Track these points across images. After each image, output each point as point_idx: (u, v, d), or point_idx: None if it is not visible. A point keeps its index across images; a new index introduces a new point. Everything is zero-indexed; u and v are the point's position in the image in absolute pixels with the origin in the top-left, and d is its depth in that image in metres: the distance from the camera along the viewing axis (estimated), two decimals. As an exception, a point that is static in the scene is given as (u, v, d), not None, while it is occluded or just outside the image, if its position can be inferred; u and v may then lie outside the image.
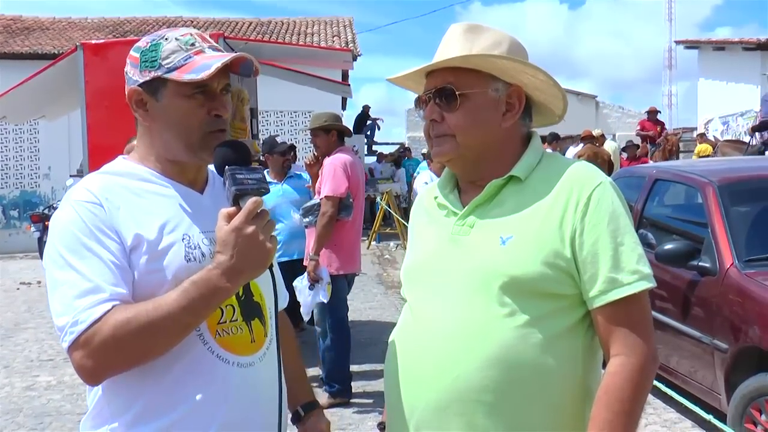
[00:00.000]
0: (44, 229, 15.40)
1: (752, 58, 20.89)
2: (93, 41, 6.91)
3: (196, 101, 1.85)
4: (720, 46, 22.68)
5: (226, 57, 1.83)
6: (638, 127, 19.13)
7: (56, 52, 17.76)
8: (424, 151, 21.51)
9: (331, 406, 6.11)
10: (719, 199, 5.45)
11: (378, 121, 25.93)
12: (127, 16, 24.20)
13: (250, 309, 1.94)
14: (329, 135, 6.47)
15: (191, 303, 1.72)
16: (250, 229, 1.71)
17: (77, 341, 1.70)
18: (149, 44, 1.88)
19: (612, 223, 1.82)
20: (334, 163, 6.20)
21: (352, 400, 6.32)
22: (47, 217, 15.61)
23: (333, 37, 22.07)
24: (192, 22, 23.18)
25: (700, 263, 5.26)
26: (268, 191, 1.79)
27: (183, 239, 1.84)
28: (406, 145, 24.53)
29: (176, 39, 1.87)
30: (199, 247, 1.85)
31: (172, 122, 1.87)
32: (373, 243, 17.38)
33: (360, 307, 10.36)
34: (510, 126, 1.95)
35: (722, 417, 4.78)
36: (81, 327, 1.69)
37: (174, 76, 1.83)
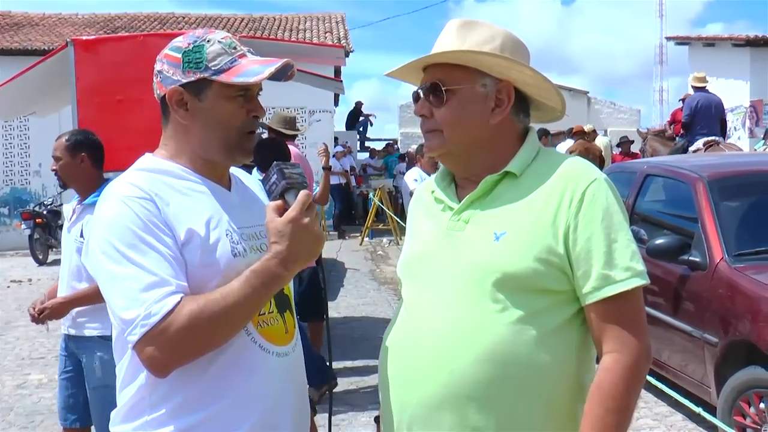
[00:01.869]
0: (35, 227, 15.35)
1: (742, 54, 20.94)
2: (84, 37, 6.89)
3: (237, 103, 1.93)
4: (710, 43, 22.73)
5: (276, 62, 1.90)
6: (669, 119, 16.59)
7: (46, 48, 17.68)
8: (413, 147, 21.53)
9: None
10: (709, 194, 5.48)
11: (371, 117, 25.95)
12: (118, 12, 24.08)
13: (283, 301, 2.03)
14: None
15: (255, 291, 1.80)
16: (306, 219, 1.82)
17: (150, 333, 1.73)
18: (192, 46, 1.93)
19: (606, 219, 1.83)
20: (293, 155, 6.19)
21: (345, 396, 6.33)
22: (38, 215, 15.56)
23: (325, 33, 22.04)
24: (184, 18, 23.12)
25: (690, 258, 5.30)
26: (307, 185, 1.90)
27: (227, 235, 1.91)
28: (399, 141, 24.51)
29: (219, 42, 1.93)
30: (240, 243, 1.93)
31: (214, 122, 1.93)
32: (366, 239, 17.38)
33: (353, 302, 10.39)
34: (500, 122, 1.95)
35: (712, 410, 4.81)
36: (155, 319, 1.72)
37: (222, 78, 1.89)
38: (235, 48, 1.94)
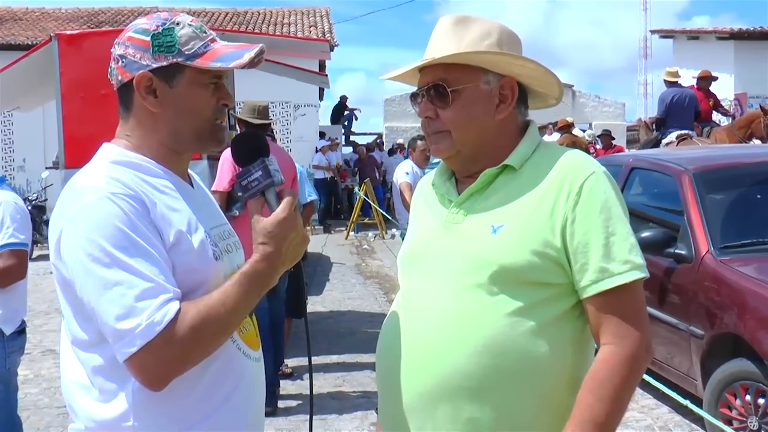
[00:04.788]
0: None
1: (726, 48, 21.10)
2: (68, 32, 6.85)
3: (209, 91, 1.82)
4: (694, 36, 22.87)
5: (253, 47, 1.80)
6: None
7: (30, 42, 17.58)
8: (400, 140, 21.54)
9: None
10: (695, 187, 5.50)
11: (355, 112, 25.88)
12: (102, 6, 24.01)
13: None
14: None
15: (248, 296, 1.72)
16: (296, 220, 1.76)
17: (152, 343, 1.60)
18: (161, 28, 1.79)
19: (604, 212, 1.82)
20: (224, 155, 5.74)
21: (333, 390, 6.34)
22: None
23: (310, 27, 22.00)
24: (168, 12, 23.01)
25: (676, 251, 5.31)
26: (284, 182, 1.83)
27: (206, 237, 1.81)
28: (384, 135, 24.48)
29: (189, 25, 1.81)
30: (217, 245, 1.84)
31: (185, 110, 1.80)
32: (352, 233, 17.38)
33: (339, 297, 10.39)
34: (505, 117, 1.95)
35: (698, 402, 4.84)
36: (158, 328, 1.60)
37: (197, 63, 1.77)
38: (205, 32, 1.82)
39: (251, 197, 1.80)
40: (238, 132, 6.36)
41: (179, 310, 1.63)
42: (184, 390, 1.72)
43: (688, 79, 13.94)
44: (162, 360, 1.62)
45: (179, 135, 1.83)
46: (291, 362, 6.85)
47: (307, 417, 2.41)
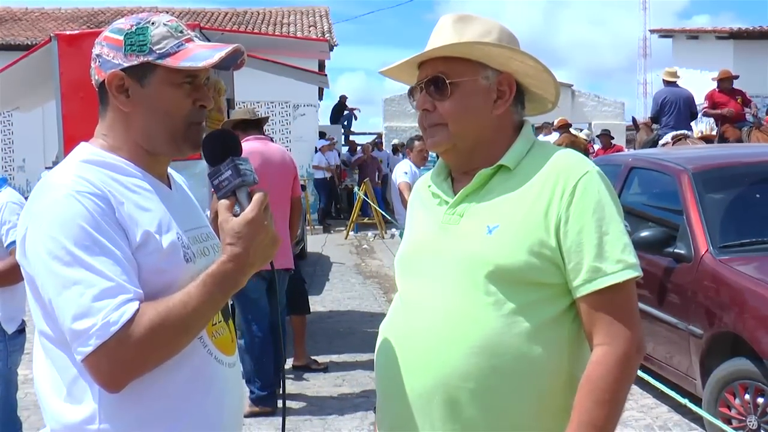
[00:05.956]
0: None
1: (725, 47, 21.09)
2: (67, 32, 6.85)
3: (184, 91, 1.79)
4: (693, 35, 22.86)
5: (227, 47, 1.78)
6: (705, 104, 13.08)
7: (29, 43, 17.58)
8: (395, 141, 21.52)
9: (252, 414, 5.63)
10: (694, 187, 5.50)
11: (355, 111, 25.87)
12: (101, 7, 24.01)
13: (225, 309, 1.93)
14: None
15: (212, 297, 1.69)
16: (266, 220, 1.72)
17: (107, 344, 1.58)
18: (135, 27, 1.78)
19: (597, 212, 1.82)
20: None
21: (333, 389, 6.34)
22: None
23: (309, 27, 22.00)
24: (167, 12, 22.97)
25: (675, 250, 5.32)
26: (258, 182, 1.80)
27: (178, 239, 1.78)
28: (383, 135, 24.49)
29: (164, 24, 1.79)
30: (190, 247, 1.81)
31: (157, 110, 1.79)
32: (351, 233, 17.38)
33: (338, 296, 10.39)
34: (501, 114, 1.96)
35: (698, 401, 4.85)
36: (114, 328, 1.57)
37: (167, 62, 1.76)
38: (181, 32, 1.80)
39: (224, 197, 1.76)
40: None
41: (137, 310, 1.61)
42: (153, 394, 1.70)
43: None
44: (118, 361, 1.60)
45: (152, 135, 1.81)
46: (290, 361, 6.87)
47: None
